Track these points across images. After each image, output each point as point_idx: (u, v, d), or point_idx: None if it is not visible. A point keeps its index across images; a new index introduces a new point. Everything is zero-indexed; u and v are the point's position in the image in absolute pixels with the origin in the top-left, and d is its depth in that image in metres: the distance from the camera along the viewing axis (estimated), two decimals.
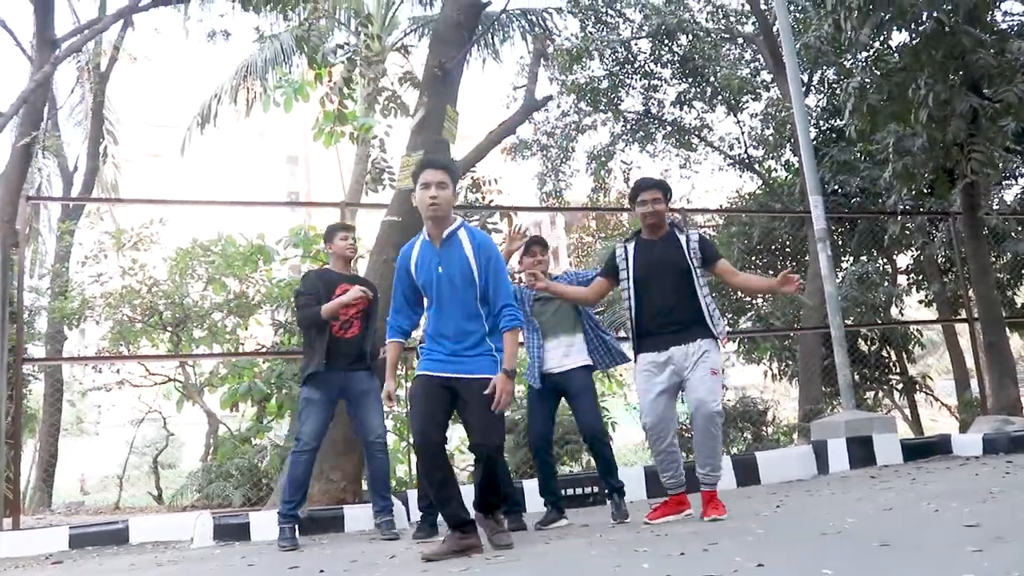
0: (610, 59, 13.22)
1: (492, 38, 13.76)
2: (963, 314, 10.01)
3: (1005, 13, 9.34)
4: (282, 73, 12.49)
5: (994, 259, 11.24)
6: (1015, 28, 8.86)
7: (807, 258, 11.58)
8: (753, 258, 12.87)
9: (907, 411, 13.10)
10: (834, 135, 11.92)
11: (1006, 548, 2.68)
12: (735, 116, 13.79)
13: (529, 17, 13.78)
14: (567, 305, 5.18)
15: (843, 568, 2.66)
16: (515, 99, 13.84)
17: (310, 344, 5.24)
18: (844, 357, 7.28)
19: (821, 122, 12.57)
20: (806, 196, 7.88)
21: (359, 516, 5.74)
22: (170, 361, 10.77)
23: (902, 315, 12.92)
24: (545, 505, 5.22)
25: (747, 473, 6.67)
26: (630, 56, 13.35)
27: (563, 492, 5.50)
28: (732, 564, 2.88)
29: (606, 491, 5.14)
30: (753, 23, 12.95)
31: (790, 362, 12.31)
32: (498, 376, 3.88)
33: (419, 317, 4.28)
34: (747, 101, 13.68)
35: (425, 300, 4.14)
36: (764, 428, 10.02)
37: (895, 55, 9.07)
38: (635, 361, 4.71)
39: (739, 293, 12.13)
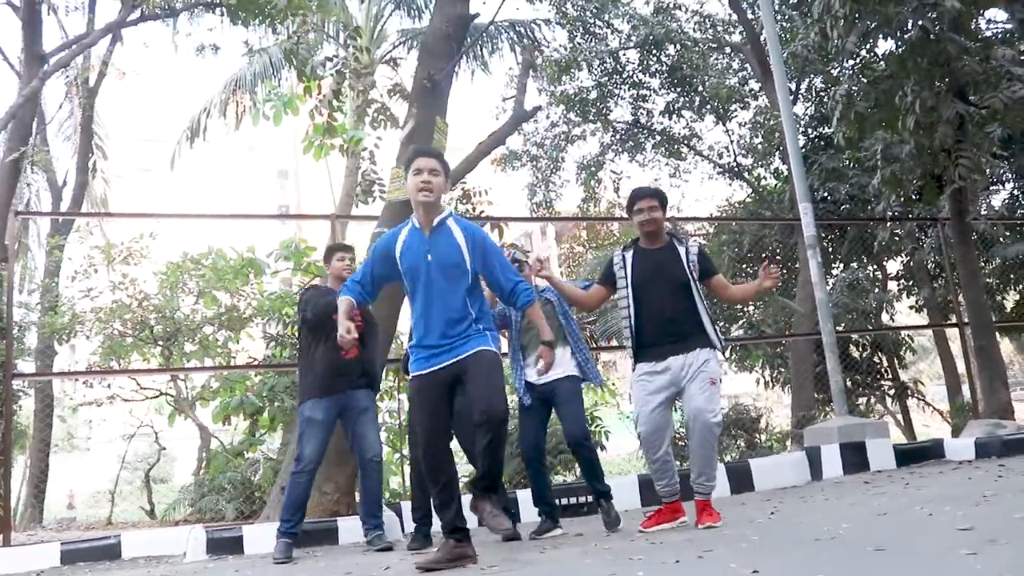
0: (598, 70, 13.28)
1: (481, 50, 13.82)
2: (953, 319, 10.05)
3: (989, 21, 9.42)
4: (271, 86, 12.49)
5: (983, 264, 11.31)
6: (999, 35, 8.94)
7: (797, 265, 11.63)
8: (744, 266, 12.91)
9: (899, 416, 13.14)
10: (822, 143, 11.99)
11: (1000, 551, 2.69)
12: (724, 125, 13.87)
13: (517, 29, 13.84)
14: (554, 319, 5.17)
15: (838, 573, 2.66)
16: (504, 110, 13.93)
17: (310, 361, 5.20)
18: (836, 363, 7.29)
19: (809, 130, 12.65)
20: (795, 203, 7.92)
21: (353, 528, 5.71)
22: (161, 375, 10.71)
23: (893, 321, 12.98)
24: (539, 515, 5.21)
25: (741, 480, 6.67)
26: (618, 66, 13.41)
27: (557, 502, 5.50)
28: (727, 571, 2.88)
29: (593, 496, 5.14)
30: (740, 32, 13.04)
31: (782, 369, 12.34)
32: (542, 348, 4.15)
33: (370, 299, 4.15)
34: (735, 110, 13.76)
35: (408, 292, 4.01)
36: (757, 435, 10.01)
37: (881, 63, 9.14)
38: (633, 369, 4.70)
39: None
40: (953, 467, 6.42)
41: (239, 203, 29.08)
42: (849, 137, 8.31)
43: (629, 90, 13.71)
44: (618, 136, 14.21)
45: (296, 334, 7.45)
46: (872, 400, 12.58)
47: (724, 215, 14.05)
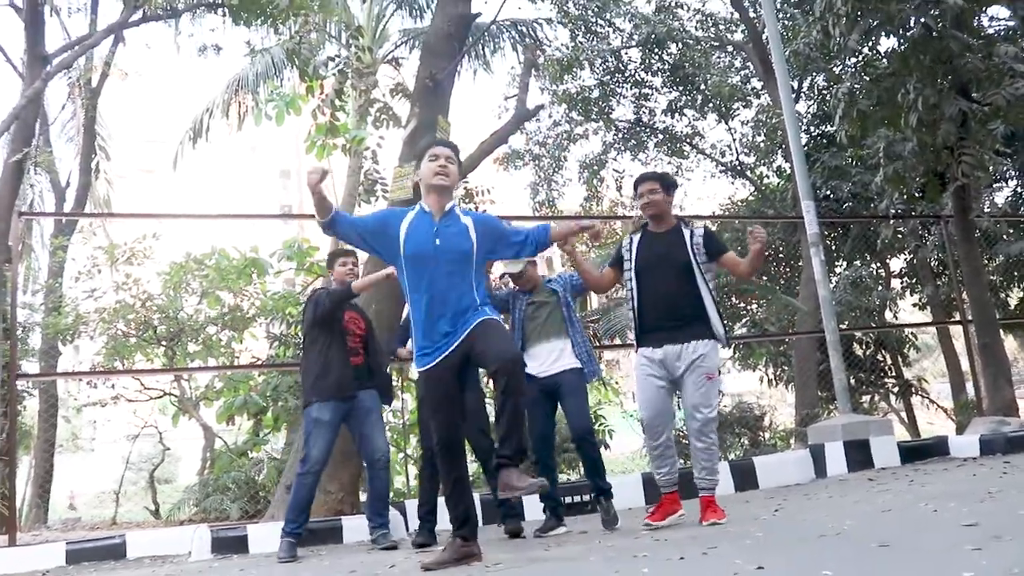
0: (601, 68, 13.27)
1: (483, 49, 13.80)
2: (957, 316, 10.04)
3: (992, 18, 9.41)
4: (273, 86, 12.49)
5: (986, 261, 11.29)
6: (1002, 32, 8.93)
7: (801, 263, 11.62)
8: None
9: (903, 414, 13.12)
10: (825, 141, 11.97)
11: (1005, 547, 2.68)
12: (726, 123, 13.86)
13: (519, 28, 13.83)
14: (558, 311, 5.19)
15: (842, 569, 2.66)
16: (506, 109, 13.93)
17: (321, 363, 5.19)
18: (839, 361, 7.29)
19: (812, 128, 12.63)
20: (798, 202, 7.91)
21: (357, 527, 5.72)
22: (165, 375, 10.73)
23: (896, 318, 12.96)
24: (544, 512, 5.21)
25: (745, 478, 6.67)
26: (620, 65, 13.40)
27: (562, 500, 5.50)
28: (732, 567, 2.88)
29: (593, 492, 5.15)
30: (742, 31, 13.02)
31: (786, 367, 12.33)
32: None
33: (337, 226, 3.86)
34: (738, 108, 13.75)
35: (408, 278, 3.84)
36: (761, 433, 10.01)
37: (884, 60, 9.13)
38: (636, 352, 4.70)
39: (733, 299, 12.15)
40: (957, 464, 6.41)
41: (242, 203, 29.05)
42: (851, 135, 8.30)
43: (631, 89, 13.71)
44: (620, 135, 14.21)
45: (299, 334, 7.47)
46: (876, 398, 12.57)
47: (727, 214, 14.03)
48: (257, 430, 9.87)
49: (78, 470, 19.69)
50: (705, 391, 4.42)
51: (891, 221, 10.00)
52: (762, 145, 13.27)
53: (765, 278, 12.92)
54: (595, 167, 14.37)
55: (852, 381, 10.65)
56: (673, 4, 13.52)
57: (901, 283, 13.37)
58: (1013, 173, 12.36)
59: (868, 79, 8.46)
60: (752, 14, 12.12)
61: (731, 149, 14.18)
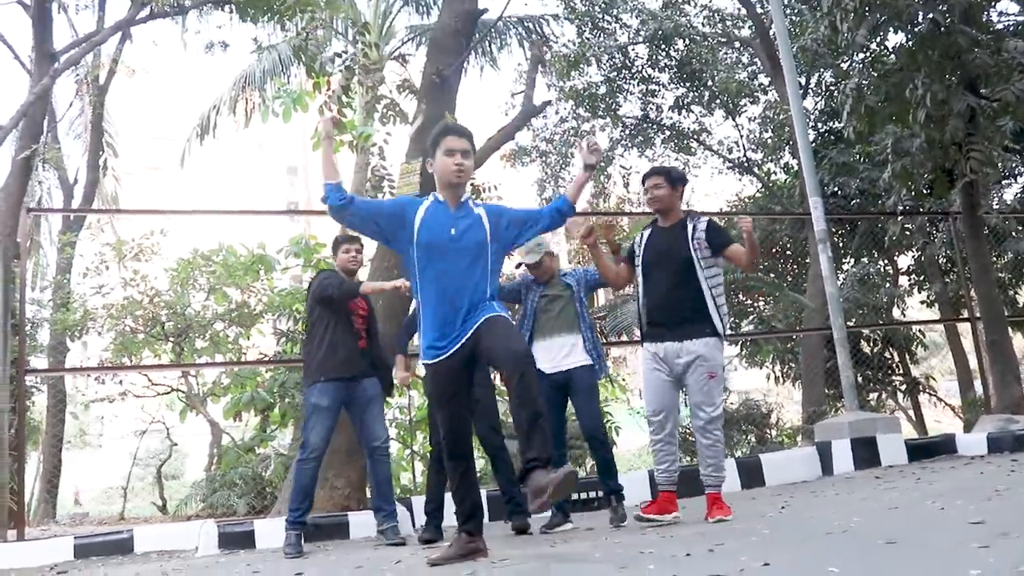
0: (607, 65, 13.26)
1: (489, 45, 13.78)
2: (965, 314, 10.01)
3: (1001, 13, 9.34)
4: (280, 83, 12.50)
5: (995, 258, 11.25)
6: (1011, 28, 8.88)
7: (808, 260, 11.59)
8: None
9: (911, 412, 13.10)
10: (833, 137, 11.94)
11: (1012, 544, 2.68)
12: (733, 119, 13.82)
13: (526, 24, 13.80)
14: (572, 305, 5.18)
15: (849, 566, 2.66)
16: (513, 106, 13.90)
17: (332, 340, 5.14)
18: (847, 358, 7.27)
19: (819, 124, 12.59)
20: (806, 198, 7.88)
21: (364, 523, 5.73)
22: (173, 371, 10.77)
23: (904, 316, 12.93)
24: (551, 508, 5.21)
25: (752, 475, 6.66)
26: (627, 61, 13.38)
27: (569, 496, 5.50)
28: (738, 564, 2.87)
29: (604, 493, 5.14)
30: (750, 27, 12.99)
31: (792, 364, 12.31)
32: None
33: (347, 211, 3.75)
34: (745, 104, 13.71)
35: (418, 268, 3.79)
36: (768, 430, 10.01)
37: (892, 56, 9.09)
38: (642, 348, 4.71)
39: (740, 296, 12.14)
40: (965, 462, 6.38)
41: (249, 200, 29.11)
42: (859, 131, 8.27)
43: (638, 85, 13.69)
44: (627, 131, 14.19)
45: (306, 332, 7.47)
46: (883, 395, 12.54)
47: (734, 210, 14.01)
48: (264, 426, 9.91)
49: (86, 466, 19.75)
50: (708, 390, 4.42)
51: (899, 218, 9.97)
52: (769, 141, 13.22)
53: (772, 275, 12.90)
54: (602, 163, 14.34)
55: (859, 378, 10.65)
56: (680, 0, 13.49)
57: (909, 280, 13.33)
58: (1022, 169, 12.31)
59: (876, 75, 8.43)
60: (759, 10, 12.08)
61: (738, 145, 14.15)
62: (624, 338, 10.16)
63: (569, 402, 5.26)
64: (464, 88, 7.67)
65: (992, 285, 8.68)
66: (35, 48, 9.04)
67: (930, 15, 7.44)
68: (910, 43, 7.95)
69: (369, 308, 5.45)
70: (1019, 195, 12.68)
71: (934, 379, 13.88)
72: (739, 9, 13.25)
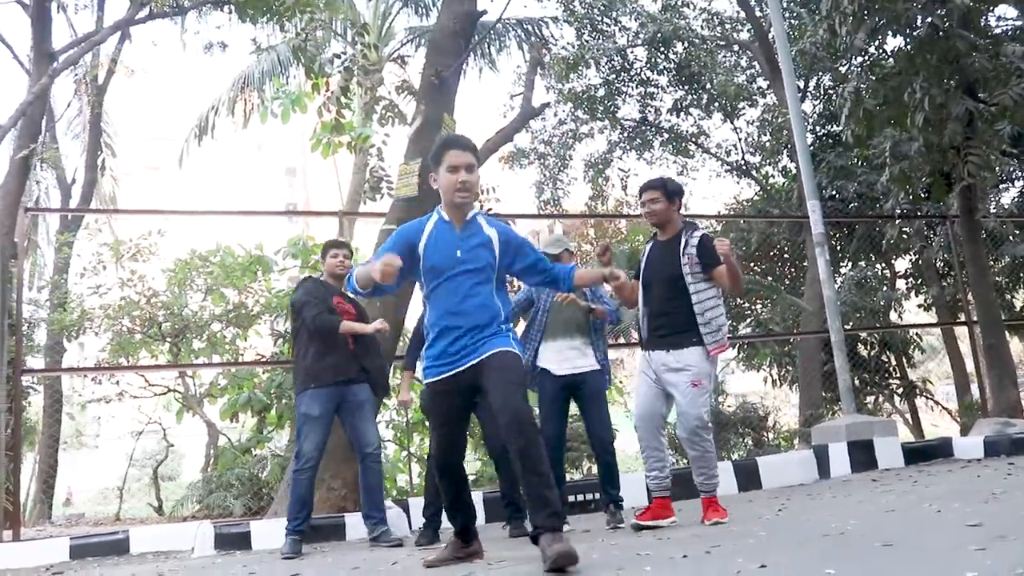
0: (606, 67, 13.27)
1: (488, 47, 13.81)
2: (962, 317, 10.02)
3: (999, 18, 9.37)
4: (279, 84, 12.51)
5: (992, 262, 11.27)
6: (1009, 32, 8.90)
7: (806, 263, 11.60)
8: (752, 264, 12.89)
9: (908, 415, 13.11)
10: (831, 140, 11.96)
11: (1009, 546, 2.68)
12: (732, 123, 13.84)
13: (525, 26, 13.84)
14: (583, 311, 5.18)
15: (845, 568, 2.65)
16: (512, 108, 13.91)
17: (320, 351, 5.13)
18: (844, 362, 7.27)
19: (818, 128, 12.61)
20: (804, 201, 7.89)
21: (360, 524, 5.71)
22: (169, 372, 10.76)
23: (901, 319, 12.94)
24: None
25: (749, 478, 6.66)
26: (626, 64, 13.40)
27: (566, 498, 5.50)
28: (735, 565, 2.87)
29: (605, 500, 5.13)
30: (749, 30, 13.01)
31: (790, 367, 12.32)
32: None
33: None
34: (744, 107, 13.74)
35: (427, 290, 3.66)
36: (765, 433, 10.02)
37: (890, 60, 9.11)
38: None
39: (738, 299, 12.15)
40: (962, 465, 6.39)
41: (247, 201, 29.14)
42: (858, 135, 8.29)
43: (637, 88, 13.70)
44: (626, 134, 14.21)
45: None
46: (880, 399, 12.56)
47: (732, 213, 14.02)
48: (261, 427, 9.90)
49: (82, 466, 19.73)
50: (691, 398, 4.40)
51: (896, 221, 9.99)
52: (768, 144, 13.24)
53: (770, 278, 12.91)
54: (600, 166, 14.37)
55: (856, 382, 10.65)
56: (679, 3, 13.52)
57: (906, 283, 13.35)
58: (1020, 173, 12.34)
59: (874, 78, 8.44)
60: (758, 13, 12.10)
61: (736, 148, 14.17)
62: (621, 340, 10.15)
63: (571, 404, 5.26)
64: (463, 90, 7.68)
65: (989, 289, 8.70)
66: (34, 48, 9.05)
67: (929, 19, 7.46)
68: (909, 47, 7.97)
69: (358, 308, 5.41)
70: (1017, 199, 12.70)
71: (931, 383, 13.90)
72: (738, 12, 13.28)
